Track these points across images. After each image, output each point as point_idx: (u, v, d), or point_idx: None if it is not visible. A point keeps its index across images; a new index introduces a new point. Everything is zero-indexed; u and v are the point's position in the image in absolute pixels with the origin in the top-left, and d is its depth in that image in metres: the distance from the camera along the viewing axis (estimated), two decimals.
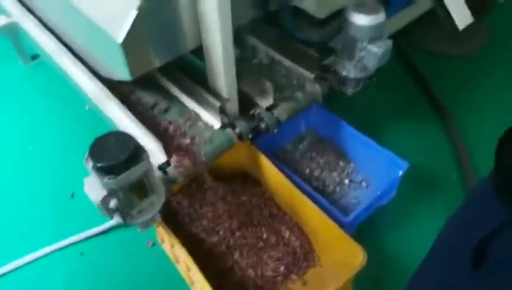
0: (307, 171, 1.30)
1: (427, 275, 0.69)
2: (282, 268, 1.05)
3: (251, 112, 1.14)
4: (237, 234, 1.07)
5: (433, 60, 1.74)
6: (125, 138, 0.76)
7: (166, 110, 1.11)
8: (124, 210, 0.81)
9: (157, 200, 0.87)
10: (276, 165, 1.14)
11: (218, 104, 1.03)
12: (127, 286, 1.11)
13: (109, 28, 0.84)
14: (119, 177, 0.74)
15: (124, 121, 1.02)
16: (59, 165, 1.39)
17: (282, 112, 1.14)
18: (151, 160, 0.83)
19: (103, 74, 1.08)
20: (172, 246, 1.03)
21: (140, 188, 0.81)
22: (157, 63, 0.96)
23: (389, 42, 1.07)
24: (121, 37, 0.83)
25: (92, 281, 1.13)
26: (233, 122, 1.08)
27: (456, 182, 1.34)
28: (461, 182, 1.33)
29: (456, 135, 1.44)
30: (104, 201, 0.77)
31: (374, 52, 1.03)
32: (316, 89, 1.19)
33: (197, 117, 1.09)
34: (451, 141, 1.44)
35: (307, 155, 1.35)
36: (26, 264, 1.16)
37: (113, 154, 0.74)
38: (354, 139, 1.31)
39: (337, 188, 1.28)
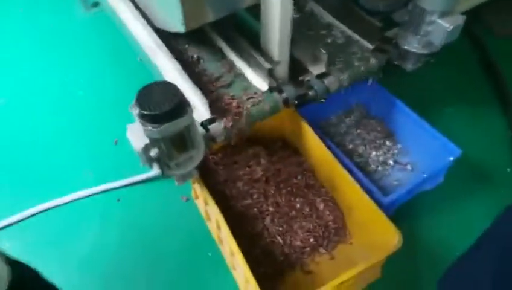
0: (350, 146, 1.26)
1: (480, 260, 0.65)
2: (311, 239, 1.04)
3: (300, 78, 1.10)
4: (270, 199, 1.06)
5: (504, 44, 1.59)
6: (172, 89, 0.75)
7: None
8: (163, 160, 0.82)
9: (196, 155, 0.86)
10: (318, 136, 1.10)
11: (268, 66, 0.99)
12: (157, 236, 1.14)
13: None
14: (161, 127, 0.73)
15: (172, 73, 1.01)
16: (106, 112, 1.42)
17: (333, 81, 1.09)
18: (194, 115, 0.82)
19: (158, 24, 1.07)
20: (206, 204, 1.04)
21: (181, 142, 0.80)
22: (212, 16, 0.93)
23: (461, 18, 0.98)
24: None
25: (125, 228, 1.16)
26: (280, 87, 1.05)
27: (510, 177, 1.25)
28: None
29: None
30: (145, 149, 0.77)
31: (444, 27, 0.95)
32: (373, 61, 1.13)
33: (245, 78, 1.07)
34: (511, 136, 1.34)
35: (352, 130, 1.30)
36: (65, 203, 1.21)
37: (159, 104, 0.73)
38: (405, 118, 1.23)
39: (379, 168, 1.23)
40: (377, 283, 1.01)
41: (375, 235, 0.98)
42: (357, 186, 1.00)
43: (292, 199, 1.08)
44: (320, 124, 1.31)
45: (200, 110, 0.96)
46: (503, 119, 1.38)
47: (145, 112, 0.72)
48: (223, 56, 1.12)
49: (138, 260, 1.10)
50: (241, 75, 1.07)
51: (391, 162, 1.24)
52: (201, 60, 1.11)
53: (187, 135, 0.79)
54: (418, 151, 1.23)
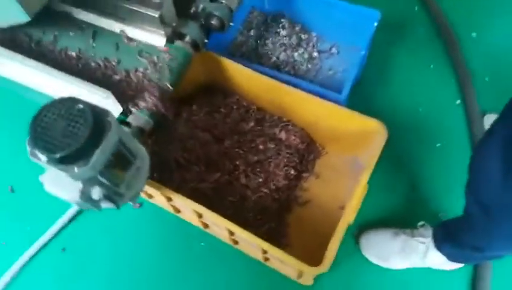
0: (273, 58, 1.13)
1: (492, 146, 0.62)
2: (292, 172, 0.95)
3: (192, 10, 0.90)
4: (232, 157, 0.92)
5: None
6: (73, 106, 0.53)
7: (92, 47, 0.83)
8: (111, 193, 0.62)
9: (142, 162, 0.67)
10: (244, 65, 0.95)
11: (155, 12, 0.77)
12: (137, 250, 0.99)
13: None
14: (91, 160, 0.53)
15: (49, 82, 0.74)
16: None
17: None
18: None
19: None
20: (169, 200, 0.87)
21: (121, 159, 0.60)
22: None
23: None
24: None
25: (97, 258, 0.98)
26: (179, 31, 0.85)
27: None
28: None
29: None
30: (84, 195, 0.57)
31: None
32: None
33: (131, 44, 0.84)
34: None
35: (262, 41, 1.16)
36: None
37: (71, 135, 0.51)
38: (309, 3, 1.13)
39: (309, 65, 1.13)
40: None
41: (352, 138, 0.93)
42: (313, 98, 0.91)
43: (252, 143, 0.95)
44: (230, 50, 1.15)
45: (109, 106, 0.74)
46: None
47: (59, 155, 0.51)
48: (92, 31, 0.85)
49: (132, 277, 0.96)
50: (124, 43, 0.83)
51: (315, 54, 1.15)
52: (71, 49, 0.83)
53: (124, 148, 0.59)
54: (334, 32, 1.14)
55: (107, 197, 0.60)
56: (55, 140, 0.51)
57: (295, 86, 0.93)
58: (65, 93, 0.70)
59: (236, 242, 0.92)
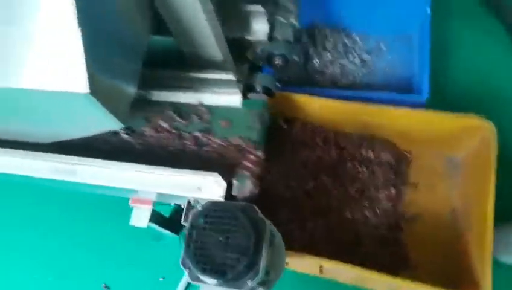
0: (326, 74, 1.06)
1: None
2: (393, 190, 0.90)
3: (248, 55, 0.84)
4: (332, 192, 0.87)
5: None
6: (220, 213, 0.48)
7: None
8: (261, 284, 0.57)
9: (277, 233, 0.62)
10: (310, 93, 0.89)
11: (233, 76, 0.72)
12: None
13: (63, 84, 0.47)
14: (260, 266, 0.47)
15: (142, 175, 0.68)
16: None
17: (286, 29, 0.84)
18: (206, 196, 0.59)
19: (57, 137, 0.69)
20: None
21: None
22: (134, 86, 0.61)
23: None
24: (84, 87, 0.47)
25: None
26: (247, 82, 0.79)
27: None
28: None
29: None
30: None
31: None
32: None
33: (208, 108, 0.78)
34: None
35: (308, 58, 1.09)
36: None
37: (233, 247, 0.46)
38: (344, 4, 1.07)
39: (363, 70, 1.08)
40: None
41: (443, 136, 0.88)
42: (396, 109, 0.86)
43: (345, 173, 0.90)
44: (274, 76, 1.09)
45: (211, 187, 0.68)
46: None
47: (230, 276, 0.45)
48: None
49: None
50: (203, 112, 0.78)
51: (365, 55, 1.09)
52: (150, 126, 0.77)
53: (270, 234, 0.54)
54: (376, 25, 1.08)
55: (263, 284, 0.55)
56: (218, 258, 0.46)
57: (368, 99, 0.88)
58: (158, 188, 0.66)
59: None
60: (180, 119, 0.76)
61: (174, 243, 0.94)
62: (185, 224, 0.54)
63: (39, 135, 0.69)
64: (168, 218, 0.90)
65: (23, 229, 1.07)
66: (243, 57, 0.84)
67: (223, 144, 0.74)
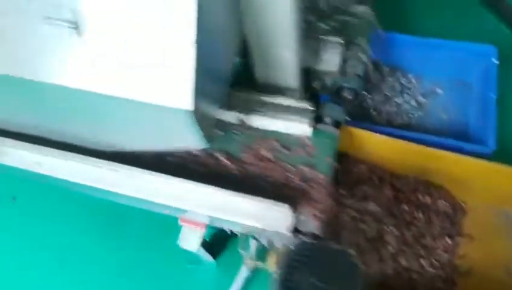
0: (382, 112, 1.04)
1: None
2: (448, 240, 0.86)
3: (314, 84, 0.82)
4: (388, 237, 0.84)
5: None
6: (322, 253, 0.44)
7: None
8: None
9: None
10: (371, 130, 0.87)
11: (309, 105, 0.70)
12: None
13: (167, 99, 0.45)
14: None
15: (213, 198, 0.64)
16: None
17: (357, 63, 0.83)
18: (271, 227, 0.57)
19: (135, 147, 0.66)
20: None
21: None
22: (220, 106, 0.59)
23: None
24: (188, 104, 0.44)
25: None
26: (318, 114, 0.77)
27: None
28: None
29: None
30: None
31: None
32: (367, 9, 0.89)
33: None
34: None
35: (364, 94, 1.07)
36: None
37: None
38: (406, 46, 1.06)
39: (420, 112, 1.05)
40: None
41: (501, 189, 0.85)
42: (459, 157, 0.83)
43: (401, 217, 0.86)
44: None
45: (275, 217, 0.65)
46: None
47: None
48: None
49: None
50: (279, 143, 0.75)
51: (420, 97, 1.07)
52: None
53: None
54: (434, 69, 1.07)
55: None
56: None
57: (427, 143, 0.86)
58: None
59: None
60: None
61: (211, 269, 0.91)
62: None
63: (103, 143, 0.67)
64: (209, 242, 0.87)
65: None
66: (308, 86, 0.82)
67: (283, 174, 0.71)
